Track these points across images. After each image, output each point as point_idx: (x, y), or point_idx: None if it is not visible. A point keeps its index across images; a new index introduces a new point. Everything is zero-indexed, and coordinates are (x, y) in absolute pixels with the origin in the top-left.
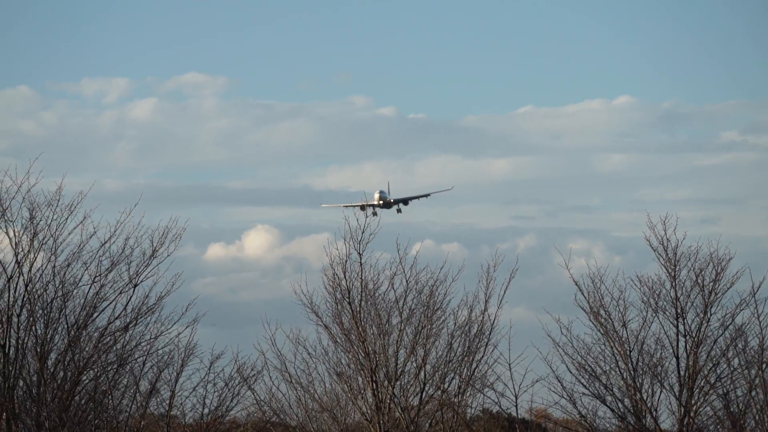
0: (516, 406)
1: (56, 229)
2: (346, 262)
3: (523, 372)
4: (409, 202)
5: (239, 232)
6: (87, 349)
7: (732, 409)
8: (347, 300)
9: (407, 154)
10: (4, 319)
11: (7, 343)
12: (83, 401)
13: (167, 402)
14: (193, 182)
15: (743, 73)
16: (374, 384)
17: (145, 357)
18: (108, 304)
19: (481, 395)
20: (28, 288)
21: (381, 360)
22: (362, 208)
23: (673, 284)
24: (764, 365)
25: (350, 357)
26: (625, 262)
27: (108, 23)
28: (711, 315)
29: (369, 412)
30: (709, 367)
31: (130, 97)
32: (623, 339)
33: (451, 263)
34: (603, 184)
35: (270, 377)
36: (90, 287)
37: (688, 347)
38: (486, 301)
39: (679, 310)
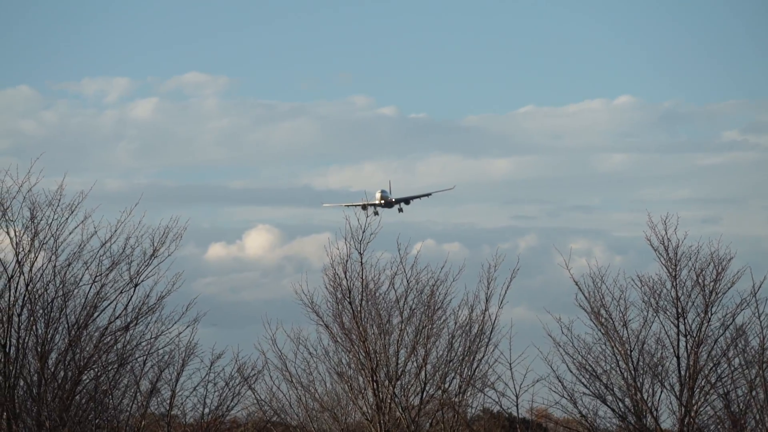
0: (517, 406)
1: (57, 229)
2: (346, 261)
3: (524, 372)
4: (411, 201)
5: (240, 231)
6: (87, 348)
7: (733, 409)
8: (348, 300)
9: (408, 154)
10: (4, 319)
11: (8, 342)
12: (84, 401)
13: (168, 402)
14: (193, 182)
15: (744, 73)
16: (375, 384)
17: (145, 357)
18: (109, 304)
19: (482, 395)
20: (29, 287)
21: (382, 360)
22: (364, 207)
23: (674, 284)
24: (765, 365)
25: (351, 357)
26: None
27: (109, 23)
28: (712, 315)
29: (370, 411)
30: (709, 367)
31: (130, 97)
32: (624, 339)
33: (452, 263)
34: (604, 184)
35: (270, 377)
36: (90, 287)
37: (688, 347)
38: (487, 301)
39: (679, 310)
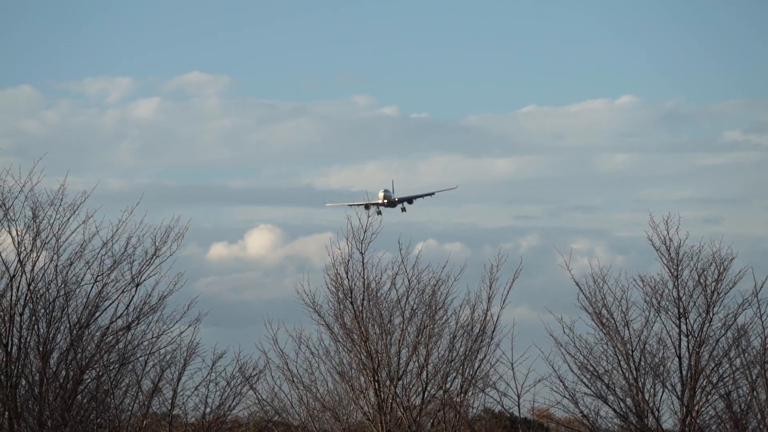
0: (518, 406)
1: (59, 229)
2: (348, 261)
3: (526, 372)
4: (414, 200)
5: (242, 231)
6: (89, 348)
7: (734, 409)
8: (349, 299)
9: (409, 154)
10: (6, 318)
11: (10, 342)
12: (85, 400)
13: (169, 401)
14: (195, 182)
15: (746, 73)
16: (376, 383)
17: (147, 356)
18: (110, 304)
19: (484, 395)
20: (31, 287)
21: (383, 359)
22: (366, 206)
23: (676, 284)
24: (766, 365)
25: (352, 356)
26: (628, 262)
27: (110, 22)
28: (713, 315)
29: (371, 411)
30: (711, 367)
31: (132, 97)
32: (625, 339)
33: (453, 263)
34: (605, 184)
35: (272, 377)
36: (92, 286)
37: (690, 347)
38: (489, 301)
39: (681, 310)
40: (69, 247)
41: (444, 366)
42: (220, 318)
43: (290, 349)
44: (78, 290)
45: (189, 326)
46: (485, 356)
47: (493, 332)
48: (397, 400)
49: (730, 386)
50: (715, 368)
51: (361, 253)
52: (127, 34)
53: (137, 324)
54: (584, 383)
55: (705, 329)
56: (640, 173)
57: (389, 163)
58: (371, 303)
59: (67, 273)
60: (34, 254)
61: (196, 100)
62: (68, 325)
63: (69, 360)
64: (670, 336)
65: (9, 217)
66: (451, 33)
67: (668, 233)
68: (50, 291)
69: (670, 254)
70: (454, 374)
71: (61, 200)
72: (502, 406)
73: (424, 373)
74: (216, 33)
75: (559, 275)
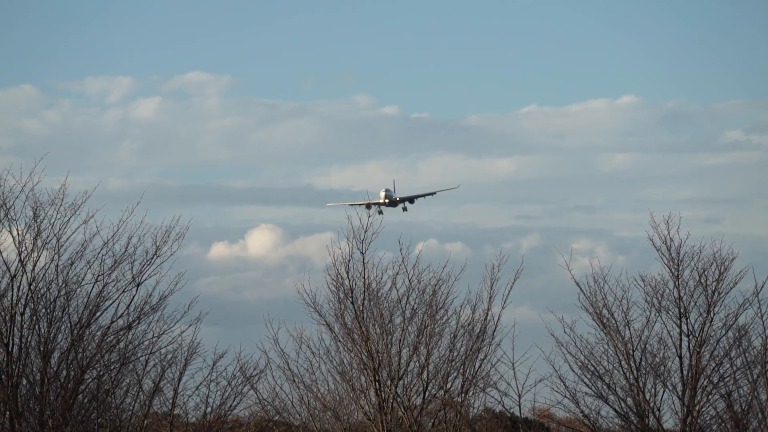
0: (519, 406)
1: (60, 228)
2: (349, 261)
3: (526, 371)
4: (415, 200)
5: (243, 231)
6: (90, 347)
7: (735, 409)
8: (350, 299)
9: (410, 154)
10: (7, 318)
11: (11, 341)
12: (86, 400)
13: (170, 401)
14: (196, 181)
15: (747, 73)
16: (377, 383)
17: (147, 356)
18: (111, 303)
19: (484, 395)
20: (32, 287)
21: (384, 359)
22: (368, 206)
23: (676, 284)
24: (767, 365)
25: (353, 356)
26: (628, 262)
27: (111, 22)
28: (714, 315)
29: (372, 411)
30: (712, 367)
31: (133, 96)
32: (626, 338)
33: (454, 263)
34: (606, 184)
35: (273, 376)
36: (93, 286)
37: (691, 347)
38: (489, 301)
39: (682, 310)
40: (70, 247)
41: (445, 366)
42: (221, 318)
43: (291, 349)
44: (79, 290)
45: (190, 326)
46: (486, 356)
47: (494, 332)
48: (398, 399)
49: (730, 386)
50: (716, 368)
51: (362, 252)
52: (127, 34)
53: (138, 324)
54: (585, 383)
55: (706, 329)
56: (641, 173)
57: (390, 163)
58: (372, 303)
59: (67, 273)
60: (35, 254)
61: (196, 100)
62: (69, 324)
63: (70, 360)
64: (670, 336)
65: (10, 217)
66: (452, 33)
67: (669, 233)
68: (51, 291)
69: (670, 254)
70: (455, 374)
71: (62, 200)
72: (503, 406)
73: (425, 372)
74: (217, 33)
75: (559, 275)
